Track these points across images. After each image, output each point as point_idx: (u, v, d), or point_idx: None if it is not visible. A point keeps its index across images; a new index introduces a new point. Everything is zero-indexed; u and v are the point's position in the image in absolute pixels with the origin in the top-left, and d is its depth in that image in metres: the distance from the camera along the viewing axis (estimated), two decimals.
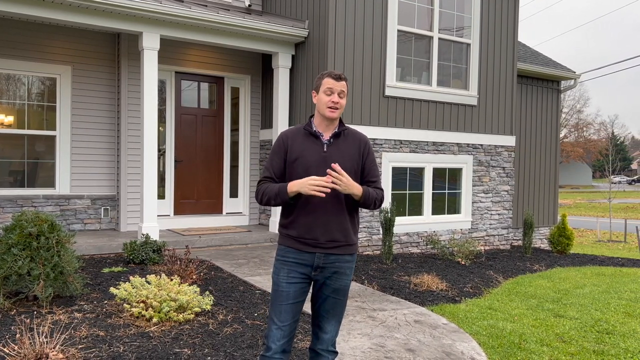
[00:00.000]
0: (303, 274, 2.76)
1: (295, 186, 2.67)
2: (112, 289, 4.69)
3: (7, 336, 3.94)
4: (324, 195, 2.62)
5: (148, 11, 7.10)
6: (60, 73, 8.03)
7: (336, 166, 2.63)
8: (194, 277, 5.67)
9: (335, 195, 2.74)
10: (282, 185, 2.72)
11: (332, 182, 2.62)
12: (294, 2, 8.74)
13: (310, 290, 2.88)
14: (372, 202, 2.78)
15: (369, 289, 5.96)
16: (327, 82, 2.79)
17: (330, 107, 2.77)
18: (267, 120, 9.30)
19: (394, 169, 8.47)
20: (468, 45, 9.17)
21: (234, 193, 9.45)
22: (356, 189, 2.70)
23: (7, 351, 3.56)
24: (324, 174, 2.72)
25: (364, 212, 8.12)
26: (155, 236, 7.36)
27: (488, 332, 4.76)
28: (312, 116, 2.91)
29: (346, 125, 2.94)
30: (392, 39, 8.28)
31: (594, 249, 13.95)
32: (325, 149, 2.79)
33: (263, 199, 2.78)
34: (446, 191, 9.16)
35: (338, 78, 2.79)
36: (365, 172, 2.86)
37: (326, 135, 2.83)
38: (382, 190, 2.88)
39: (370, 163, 2.88)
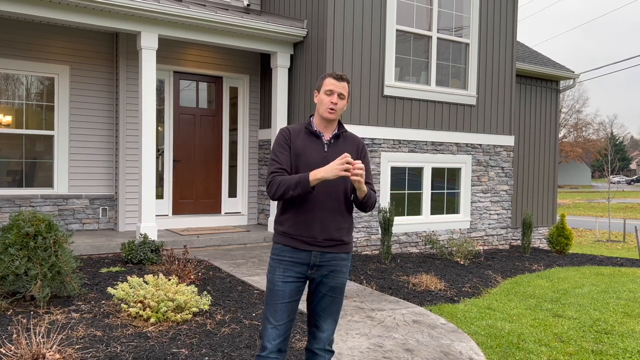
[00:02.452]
0: (299, 272, 2.76)
1: (320, 173, 2.58)
2: (110, 289, 4.69)
3: (4, 336, 3.93)
4: (349, 175, 2.56)
5: (146, 11, 7.09)
6: (59, 73, 8.02)
7: (349, 157, 2.58)
8: (192, 277, 5.66)
9: (333, 193, 2.74)
10: (302, 175, 2.63)
11: (353, 171, 2.57)
12: (292, 1, 8.74)
13: (306, 289, 2.87)
14: (372, 202, 2.80)
15: (367, 288, 5.96)
16: (328, 83, 2.78)
17: (329, 109, 2.77)
18: (265, 120, 9.29)
19: (392, 168, 8.46)
20: (467, 45, 9.17)
21: (232, 193, 9.44)
22: (364, 184, 2.69)
23: (4, 351, 3.55)
24: None
25: (362, 212, 8.10)
26: (153, 236, 7.35)
27: (486, 332, 4.75)
28: (312, 115, 2.91)
29: (344, 127, 2.94)
30: (390, 39, 8.27)
31: (593, 248, 13.95)
32: (326, 149, 2.80)
33: (278, 190, 2.65)
34: (445, 191, 9.16)
35: (339, 78, 2.78)
36: None
37: (326, 136, 2.84)
38: (375, 194, 2.89)
39: (366, 165, 2.87)
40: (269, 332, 2.71)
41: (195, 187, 9.08)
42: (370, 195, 2.77)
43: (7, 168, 7.85)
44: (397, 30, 8.35)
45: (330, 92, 2.77)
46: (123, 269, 6.23)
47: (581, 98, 58.64)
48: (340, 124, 2.89)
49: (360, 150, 2.89)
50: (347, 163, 2.55)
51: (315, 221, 2.72)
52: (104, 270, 6.11)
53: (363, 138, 7.76)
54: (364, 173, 2.60)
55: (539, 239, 11.93)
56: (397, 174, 8.57)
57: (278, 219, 2.82)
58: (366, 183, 2.85)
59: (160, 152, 8.74)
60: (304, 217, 2.73)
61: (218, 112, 9.30)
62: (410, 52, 8.59)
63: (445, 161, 9.00)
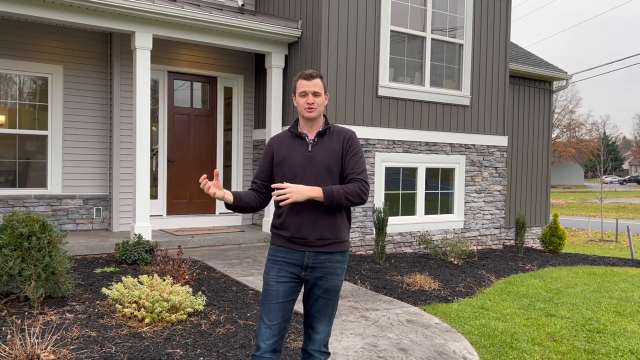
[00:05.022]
0: (293, 273, 2.77)
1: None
2: (104, 290, 4.68)
3: None
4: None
5: (141, 11, 7.07)
6: (52, 72, 7.99)
7: (276, 185, 2.63)
8: (187, 277, 5.66)
9: None
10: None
11: (276, 199, 2.64)
12: (287, 2, 8.74)
13: (302, 290, 2.88)
14: (341, 198, 2.68)
15: (362, 288, 5.98)
16: (300, 85, 2.79)
17: (307, 109, 2.79)
18: (260, 120, 9.29)
19: (387, 169, 8.49)
20: (461, 45, 9.21)
21: None
22: (314, 192, 2.64)
23: None
24: (309, 174, 2.74)
25: (357, 212, 8.13)
26: (147, 236, 7.34)
27: (480, 332, 4.78)
28: (297, 119, 2.92)
29: (333, 124, 2.94)
30: (385, 39, 8.29)
31: (586, 248, 14.04)
32: (310, 149, 2.80)
33: None
34: (439, 191, 9.19)
35: (309, 77, 2.78)
36: (346, 164, 2.80)
37: (311, 135, 2.84)
38: (359, 181, 2.75)
39: (352, 155, 2.80)
40: (263, 332, 2.73)
41: (190, 187, 9.07)
42: (332, 195, 2.66)
43: (1, 168, 7.81)
44: (391, 30, 8.38)
45: (304, 94, 2.79)
46: (117, 269, 6.22)
47: (574, 98, 58.89)
48: (326, 121, 2.88)
49: (346, 141, 2.82)
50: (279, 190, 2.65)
51: (307, 222, 2.74)
52: (98, 270, 6.10)
53: (358, 139, 7.77)
54: (289, 194, 2.60)
55: (532, 238, 12.00)
56: (392, 174, 8.59)
57: (274, 222, 2.85)
58: (351, 173, 2.78)
59: (154, 152, 8.72)
60: (296, 218, 2.75)
61: (212, 112, 9.29)
62: (404, 53, 8.62)
63: (439, 161, 9.03)
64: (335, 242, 2.79)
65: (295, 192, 2.61)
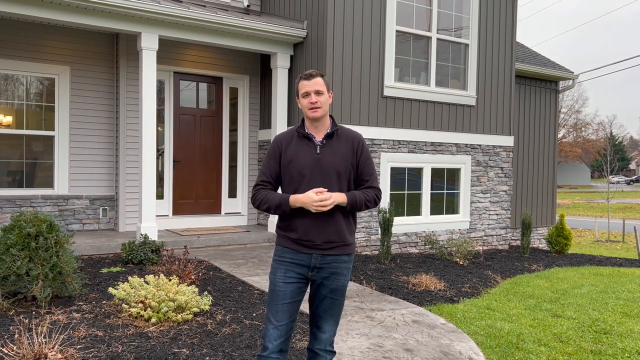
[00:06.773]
0: (300, 274, 2.77)
1: (298, 202, 2.69)
2: (111, 289, 4.70)
3: (6, 336, 3.94)
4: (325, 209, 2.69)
5: (146, 11, 7.10)
6: (59, 73, 8.03)
7: (322, 191, 2.68)
8: (193, 277, 5.68)
9: None
10: (284, 197, 2.73)
11: (320, 205, 2.67)
12: (292, 2, 8.75)
13: (308, 290, 2.88)
14: (362, 205, 2.78)
15: (367, 289, 5.97)
16: (302, 86, 2.79)
17: (311, 109, 2.78)
18: (265, 121, 9.31)
19: (392, 169, 8.48)
20: (466, 45, 9.19)
21: (232, 193, 9.45)
22: (340, 198, 2.72)
23: (6, 351, 3.56)
24: (317, 176, 2.73)
25: (362, 213, 8.13)
26: (153, 236, 7.36)
27: (486, 332, 4.77)
28: (303, 118, 2.91)
29: (340, 125, 2.93)
30: (390, 40, 8.29)
31: (592, 249, 13.97)
32: (318, 151, 2.79)
33: (262, 206, 2.79)
34: (444, 191, 9.18)
35: (309, 77, 2.78)
36: (359, 171, 2.84)
37: (319, 137, 2.82)
38: (375, 188, 2.85)
39: (364, 161, 2.84)
40: (271, 333, 2.73)
41: (196, 188, 9.09)
42: (355, 201, 2.76)
43: (8, 168, 7.86)
44: (396, 31, 8.37)
45: (306, 94, 2.78)
46: (123, 269, 6.24)
47: (580, 98, 58.62)
48: (334, 123, 2.87)
49: (356, 146, 2.84)
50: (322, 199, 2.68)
51: (313, 225, 2.73)
52: (104, 270, 6.12)
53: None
54: (331, 197, 2.67)
55: (538, 239, 11.95)
56: (397, 174, 8.59)
57: (279, 223, 2.84)
58: (365, 179, 2.84)
59: (160, 153, 8.75)
60: (302, 221, 2.74)
61: (218, 113, 9.31)
62: (409, 53, 8.61)
63: (444, 161, 9.02)
64: (342, 245, 2.80)
65: (331, 203, 2.69)
